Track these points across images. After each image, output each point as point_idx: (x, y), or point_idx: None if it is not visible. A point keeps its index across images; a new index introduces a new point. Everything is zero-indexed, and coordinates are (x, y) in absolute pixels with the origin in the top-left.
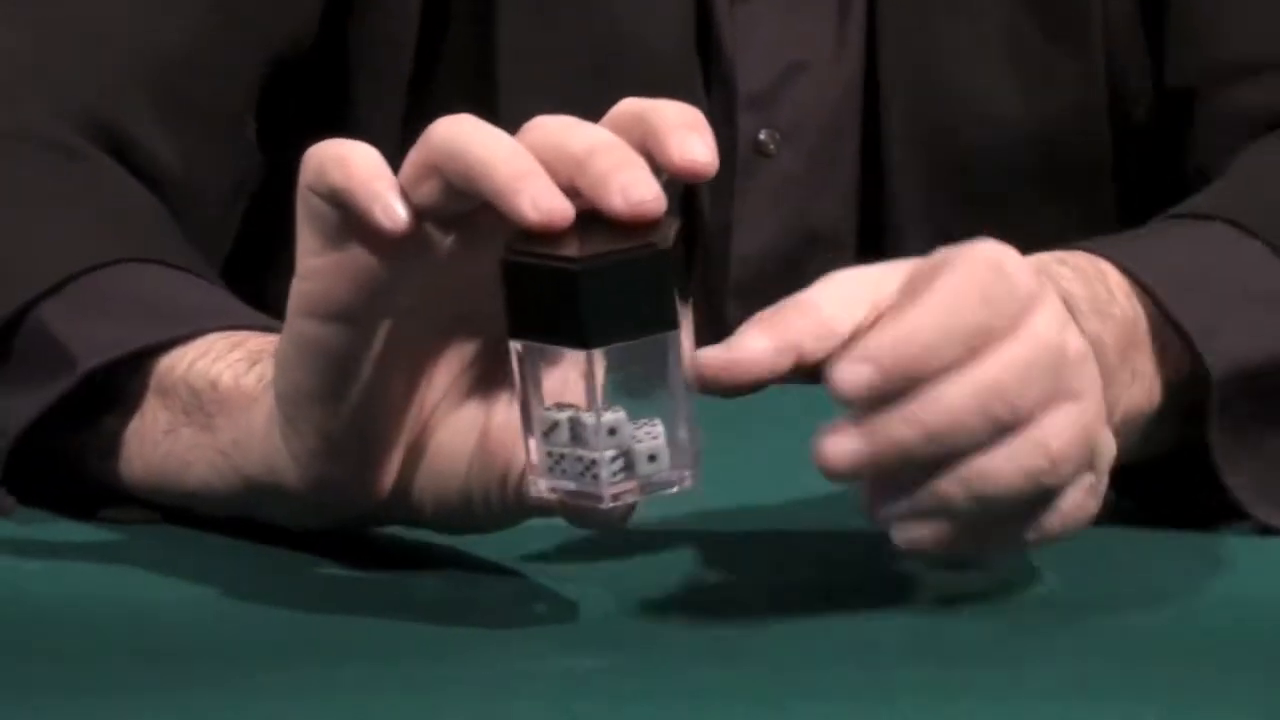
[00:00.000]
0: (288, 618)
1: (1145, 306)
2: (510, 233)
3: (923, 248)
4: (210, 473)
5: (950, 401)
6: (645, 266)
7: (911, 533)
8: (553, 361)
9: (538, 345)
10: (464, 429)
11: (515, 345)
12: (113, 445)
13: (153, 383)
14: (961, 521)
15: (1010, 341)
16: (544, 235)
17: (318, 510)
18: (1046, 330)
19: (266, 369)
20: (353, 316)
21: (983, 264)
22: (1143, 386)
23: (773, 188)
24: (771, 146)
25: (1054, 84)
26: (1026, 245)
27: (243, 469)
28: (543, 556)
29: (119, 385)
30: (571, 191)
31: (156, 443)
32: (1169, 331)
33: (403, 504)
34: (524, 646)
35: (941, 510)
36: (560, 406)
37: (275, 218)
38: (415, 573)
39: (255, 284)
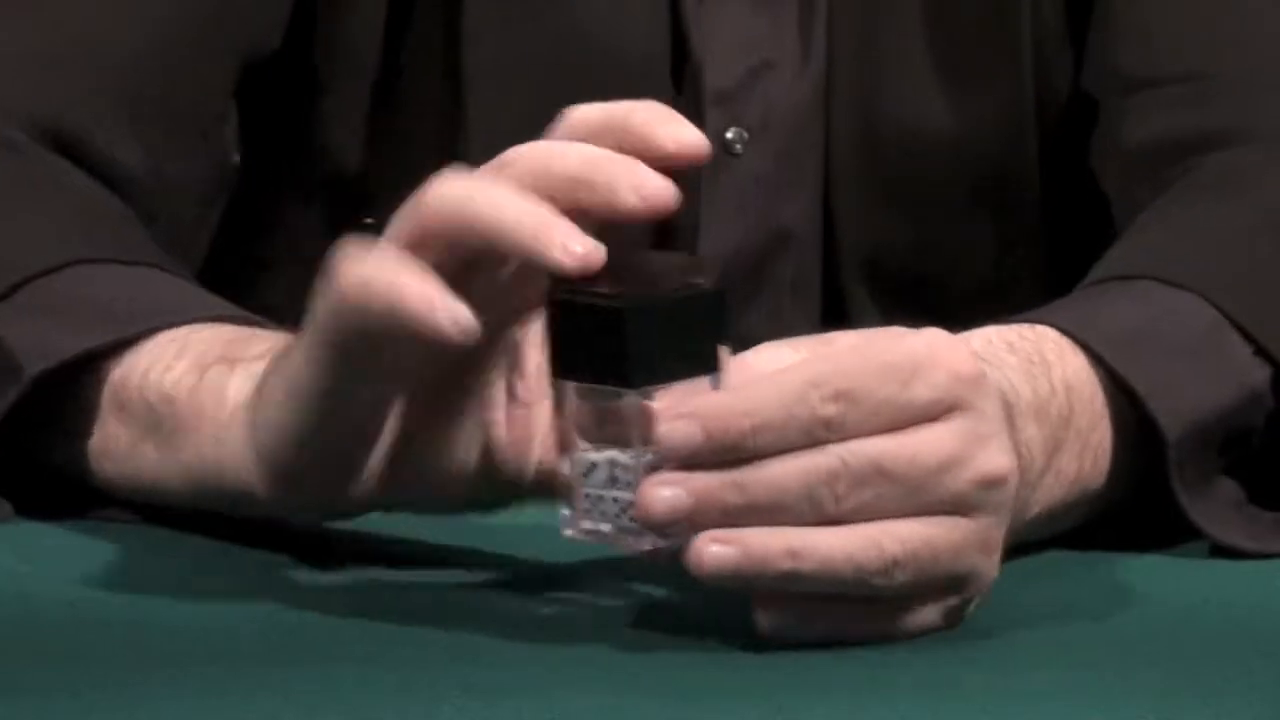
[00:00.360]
0: (286, 618)
1: (1098, 378)
2: (550, 279)
3: (862, 253)
4: (182, 485)
5: (775, 477)
6: (694, 307)
7: (731, 580)
8: (596, 400)
9: (583, 385)
10: (461, 440)
11: (561, 385)
12: (83, 457)
13: (107, 394)
14: (783, 584)
15: (880, 440)
16: (582, 279)
17: (295, 513)
18: (939, 442)
19: (218, 383)
20: (351, 380)
21: (894, 361)
22: (1063, 483)
23: (740, 187)
24: (739, 145)
25: (982, 93)
26: (956, 252)
27: (210, 483)
28: (542, 557)
29: (78, 392)
30: (578, 213)
31: (124, 458)
32: (1120, 397)
33: (384, 502)
34: (523, 647)
35: (763, 569)
36: (599, 446)
37: (246, 212)
38: (414, 573)
39: (228, 272)
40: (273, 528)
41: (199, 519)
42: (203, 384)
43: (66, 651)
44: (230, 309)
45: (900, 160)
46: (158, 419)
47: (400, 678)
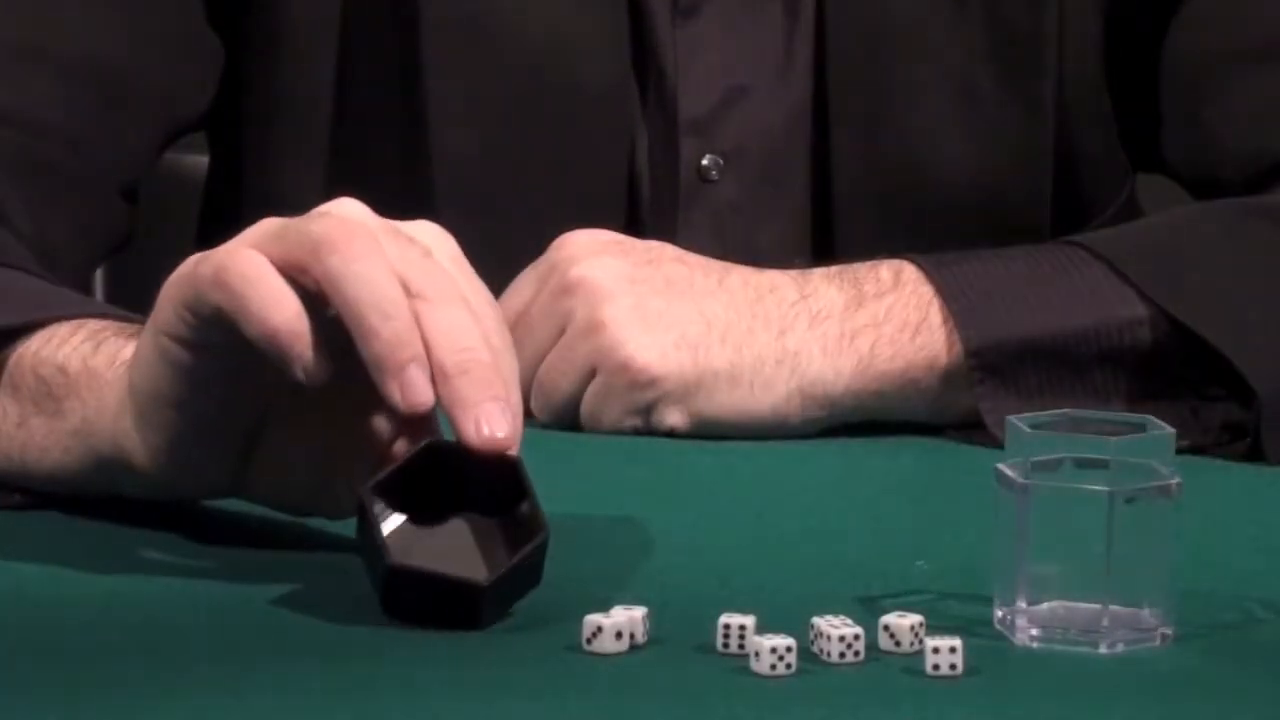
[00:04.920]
0: (288, 619)
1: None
2: None
3: None
4: (64, 456)
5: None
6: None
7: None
8: None
9: None
10: (305, 429)
11: None
12: None
13: (3, 379)
14: None
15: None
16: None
17: (165, 488)
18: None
19: (114, 348)
20: (213, 350)
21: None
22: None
23: (716, 214)
24: (714, 172)
25: (1002, 133)
26: None
27: (94, 447)
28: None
29: None
30: None
31: (11, 436)
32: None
33: (244, 487)
34: (522, 648)
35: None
36: None
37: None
38: None
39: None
40: (275, 529)
41: (201, 512)
42: (99, 351)
43: (66, 651)
44: (119, 311)
45: (909, 187)
46: (49, 389)
47: (401, 678)
